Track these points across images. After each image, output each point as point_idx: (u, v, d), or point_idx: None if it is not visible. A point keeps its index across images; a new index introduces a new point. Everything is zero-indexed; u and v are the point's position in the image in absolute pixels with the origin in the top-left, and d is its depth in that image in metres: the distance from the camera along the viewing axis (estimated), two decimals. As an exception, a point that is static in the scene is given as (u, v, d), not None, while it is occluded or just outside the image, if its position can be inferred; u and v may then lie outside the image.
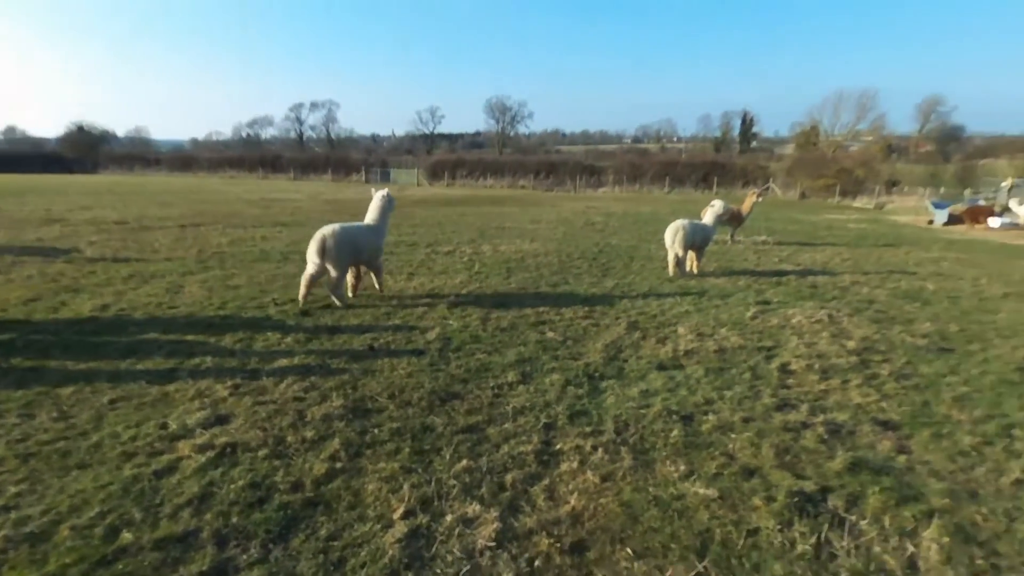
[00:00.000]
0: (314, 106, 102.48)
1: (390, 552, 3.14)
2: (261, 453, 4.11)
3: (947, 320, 8.50)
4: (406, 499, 3.59)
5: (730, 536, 3.38)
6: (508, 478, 3.93)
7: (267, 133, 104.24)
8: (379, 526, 3.36)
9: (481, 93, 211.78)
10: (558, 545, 3.26)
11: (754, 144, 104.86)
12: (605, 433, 4.64)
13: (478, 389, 5.40)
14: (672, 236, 11.36)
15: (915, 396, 5.61)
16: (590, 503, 3.67)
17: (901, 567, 3.17)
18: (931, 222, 27.16)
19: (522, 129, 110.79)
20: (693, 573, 3.06)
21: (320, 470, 3.91)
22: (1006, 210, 27.85)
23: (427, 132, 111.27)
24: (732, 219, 16.90)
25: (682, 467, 4.13)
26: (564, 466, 4.13)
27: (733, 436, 4.65)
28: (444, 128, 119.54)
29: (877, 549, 3.30)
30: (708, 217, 12.79)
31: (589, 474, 4.02)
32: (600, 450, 4.35)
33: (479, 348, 6.58)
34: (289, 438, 4.34)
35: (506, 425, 4.71)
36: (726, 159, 56.76)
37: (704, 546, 3.29)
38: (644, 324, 7.80)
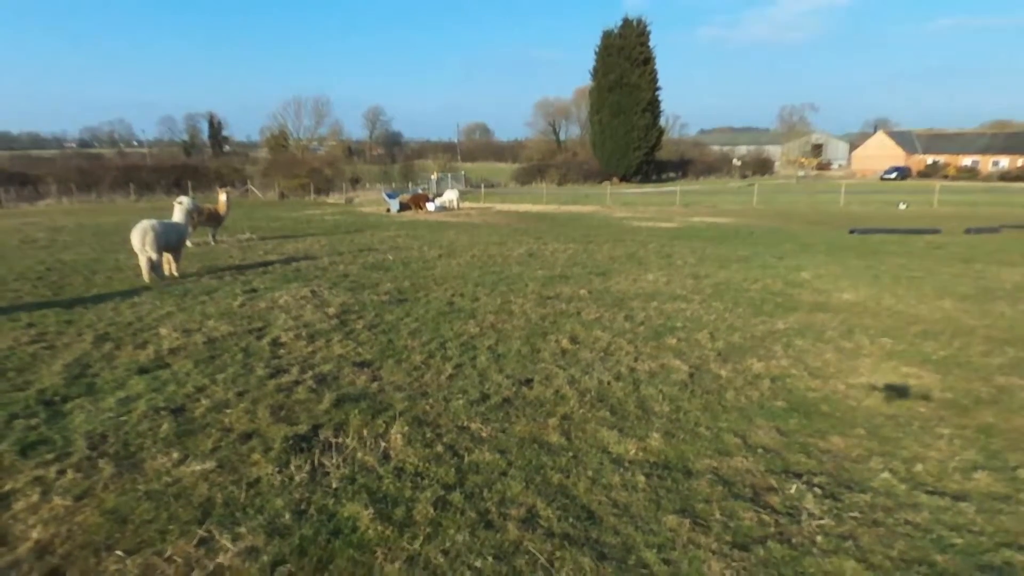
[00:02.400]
0: None
1: None
2: None
3: (402, 279, 10.41)
4: None
5: (232, 495, 3.43)
6: (-75, 548, 2.96)
7: None
8: None
9: None
10: (21, 584, 2.68)
11: (227, 148, 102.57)
12: (75, 453, 3.97)
13: None
14: (140, 239, 10.24)
15: (382, 338, 6.74)
16: (61, 528, 3.13)
17: (378, 460, 3.85)
18: (388, 210, 32.27)
19: None
20: (196, 540, 3.00)
21: None
22: (437, 196, 35.44)
23: None
24: (211, 219, 16.36)
25: (175, 455, 3.92)
26: (19, 504, 3.37)
27: (229, 411, 4.66)
28: None
29: (360, 455, 3.91)
30: (178, 215, 12.05)
31: (57, 500, 3.39)
32: (70, 471, 3.71)
33: None
34: None
35: (-87, 490, 3.50)
36: (199, 163, 53.88)
37: (206, 513, 3.25)
38: (116, 334, 6.89)
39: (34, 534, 3.06)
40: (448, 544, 2.96)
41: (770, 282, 10.05)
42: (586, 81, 61.88)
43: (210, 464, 3.76)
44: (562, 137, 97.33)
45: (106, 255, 13.95)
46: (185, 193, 44.44)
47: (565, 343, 6.47)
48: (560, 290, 9.40)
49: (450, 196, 34.61)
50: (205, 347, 6.40)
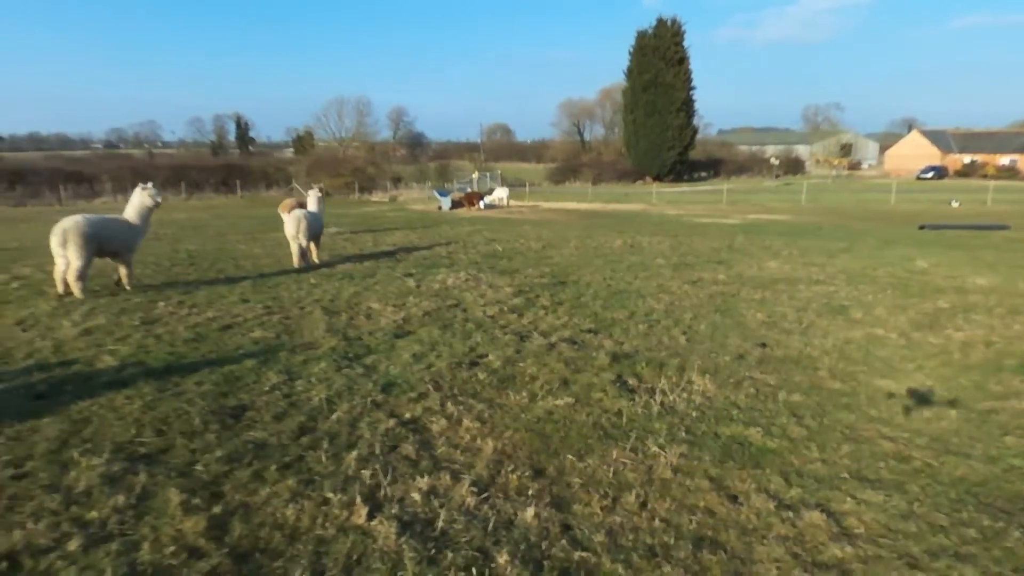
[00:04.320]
0: None
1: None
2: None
3: (538, 266, 11.06)
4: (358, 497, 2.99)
5: (612, 421, 4.10)
6: (406, 450, 3.64)
7: None
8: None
9: None
10: (528, 473, 3.35)
11: (251, 148, 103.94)
12: (430, 395, 4.64)
13: (261, 400, 4.51)
14: (295, 227, 11.02)
15: (583, 311, 7.39)
16: (499, 442, 3.79)
17: (704, 399, 4.50)
18: (440, 208, 32.90)
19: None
20: (628, 448, 3.66)
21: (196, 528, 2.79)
22: (487, 194, 36.10)
23: None
24: (308, 214, 17.15)
25: (523, 395, 4.59)
26: (435, 427, 4.05)
27: (521, 365, 5.32)
28: None
29: (686, 395, 4.56)
30: (313, 204, 12.76)
31: (467, 423, 4.07)
32: (449, 404, 4.39)
33: (192, 364, 5.33)
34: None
35: (336, 415, 4.18)
36: (243, 162, 55.02)
37: (606, 432, 3.92)
38: (335, 307, 7.58)
39: (489, 444, 3.73)
40: (842, 453, 3.60)
41: (891, 269, 10.60)
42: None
43: (568, 400, 4.42)
44: (586, 137, 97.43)
45: (225, 245, 14.77)
46: (234, 192, 45.56)
47: (761, 316, 7.10)
48: (699, 275, 10.01)
49: (500, 194, 35.29)
50: (428, 318, 7.07)
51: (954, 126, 71.00)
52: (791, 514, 2.92)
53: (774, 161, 64.17)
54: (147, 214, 8.90)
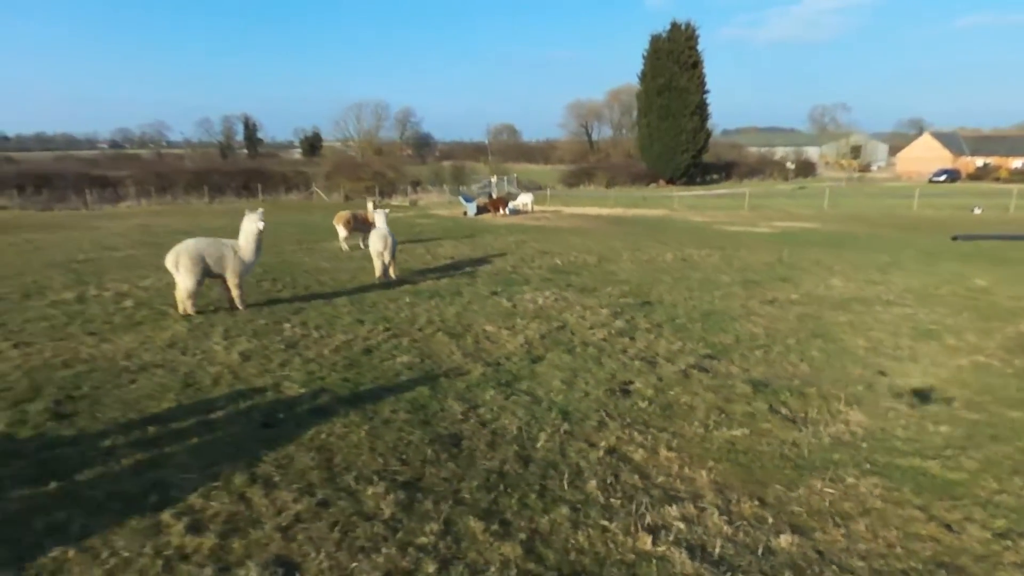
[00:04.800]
0: None
1: None
2: None
3: (609, 283, 11.53)
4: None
5: (793, 452, 4.60)
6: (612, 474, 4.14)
7: None
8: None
9: None
10: (756, 502, 3.85)
11: (259, 150, 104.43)
12: (608, 424, 5.12)
13: (465, 428, 5.00)
14: (383, 244, 11.54)
15: (688, 335, 7.88)
16: (709, 475, 4.29)
17: (865, 430, 5.00)
18: (465, 213, 33.14)
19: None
20: (827, 477, 4.16)
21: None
22: (511, 199, 36.41)
23: None
24: (366, 226, 17.59)
25: (695, 424, 5.09)
26: (637, 456, 4.54)
27: (672, 394, 5.82)
28: None
29: (840, 427, 5.06)
30: (381, 221, 13.18)
31: (664, 452, 4.57)
32: (635, 433, 4.89)
33: (372, 392, 5.83)
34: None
35: (540, 444, 4.68)
36: (262, 165, 55.52)
37: (793, 464, 4.42)
38: (454, 330, 7.99)
39: (702, 475, 4.23)
40: (1018, 485, 4.11)
41: (952, 288, 11.10)
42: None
43: (744, 431, 4.93)
44: (594, 138, 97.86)
45: (288, 258, 15.21)
46: (255, 195, 45.96)
47: (862, 342, 7.59)
48: (772, 295, 10.49)
49: (525, 200, 35.59)
50: (548, 342, 7.54)
51: (959, 126, 71.72)
52: (1010, 542, 3.43)
53: (790, 165, 64.81)
54: (255, 240, 9.23)
